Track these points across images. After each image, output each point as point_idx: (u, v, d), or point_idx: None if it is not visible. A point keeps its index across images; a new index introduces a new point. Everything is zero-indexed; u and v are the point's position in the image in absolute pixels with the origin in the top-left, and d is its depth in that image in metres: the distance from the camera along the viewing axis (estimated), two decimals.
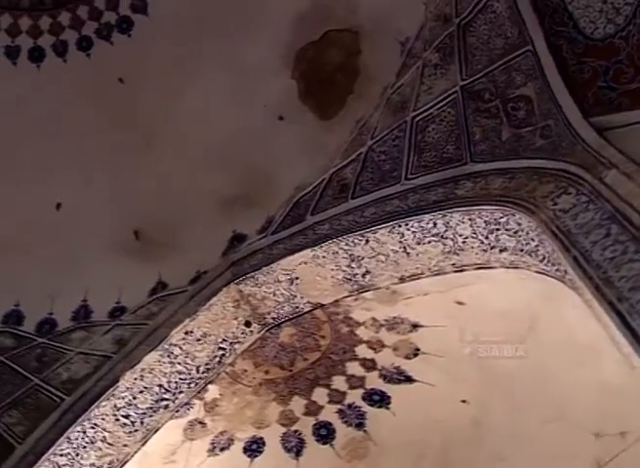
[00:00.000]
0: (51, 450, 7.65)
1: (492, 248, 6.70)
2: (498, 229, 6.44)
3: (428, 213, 6.87)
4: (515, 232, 6.29)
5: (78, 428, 7.82)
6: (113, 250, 9.35)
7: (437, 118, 7.15)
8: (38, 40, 9.88)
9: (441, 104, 7.13)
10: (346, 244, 7.63)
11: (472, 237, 6.76)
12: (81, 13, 9.87)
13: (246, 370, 9.90)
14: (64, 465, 7.77)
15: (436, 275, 7.45)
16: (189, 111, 9.50)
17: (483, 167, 6.53)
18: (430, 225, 6.95)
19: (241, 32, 9.28)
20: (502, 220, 6.31)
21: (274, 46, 9.19)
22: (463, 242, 6.88)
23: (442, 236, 6.98)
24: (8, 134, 9.64)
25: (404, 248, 7.33)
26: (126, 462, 8.07)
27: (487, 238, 6.63)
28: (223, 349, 8.45)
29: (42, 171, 9.61)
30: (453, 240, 6.95)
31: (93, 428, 7.91)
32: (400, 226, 7.17)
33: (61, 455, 7.74)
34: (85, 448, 7.87)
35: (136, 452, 8.13)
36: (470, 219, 6.58)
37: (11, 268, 9.27)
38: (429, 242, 7.11)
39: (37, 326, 8.98)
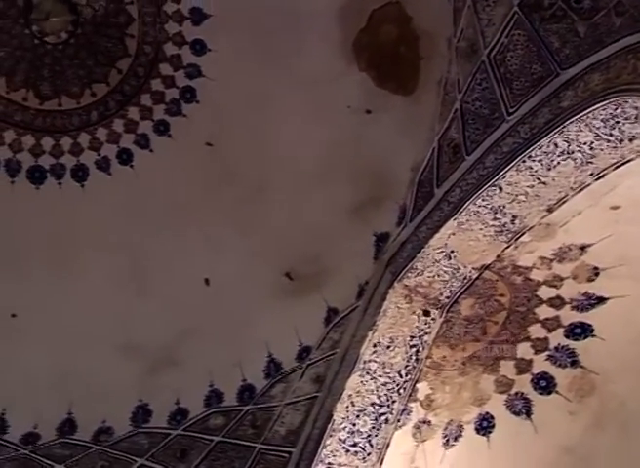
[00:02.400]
0: None
1: (620, 141, 6.52)
2: (617, 122, 6.27)
3: (544, 136, 6.74)
4: (636, 117, 6.11)
5: None
6: (274, 298, 9.51)
7: (510, 45, 6.97)
8: (120, 143, 10.23)
9: (508, 30, 6.94)
10: (482, 199, 7.56)
11: (597, 140, 6.59)
12: (145, 102, 10.17)
13: (445, 356, 9.85)
14: None
15: (580, 191, 7.30)
16: (281, 142, 9.65)
17: (575, 70, 6.33)
18: (552, 147, 6.82)
19: (295, 50, 9.37)
20: (618, 111, 6.13)
21: (330, 48, 9.23)
22: (591, 148, 6.72)
23: (568, 152, 6.84)
24: (126, 238, 10.00)
25: (538, 179, 7.21)
26: None
27: (611, 135, 6.46)
28: (415, 346, 8.45)
29: (178, 256, 9.90)
30: (580, 151, 6.80)
31: (329, 467, 8.03)
32: (525, 161, 7.06)
33: None
34: None
35: None
36: (587, 125, 6.42)
37: (195, 353, 9.57)
38: (559, 163, 6.98)
39: (237, 396, 9.19)
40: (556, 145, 6.78)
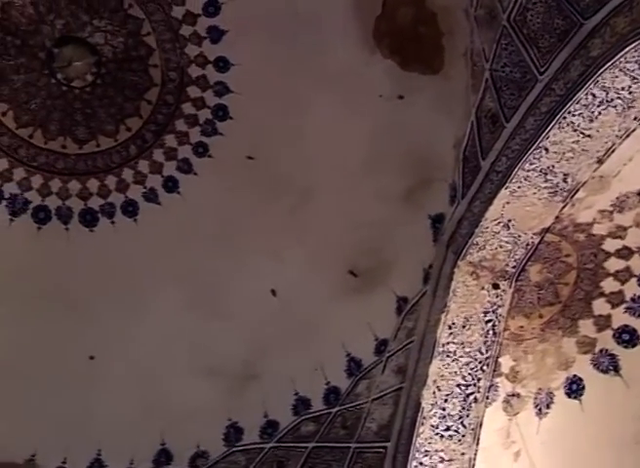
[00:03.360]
0: None
1: None
2: None
3: (580, 89, 6.64)
4: None
5: (414, 463, 7.95)
6: (343, 297, 9.53)
7: (529, 4, 6.88)
8: (164, 172, 10.42)
9: None
10: (530, 163, 7.48)
11: (634, 83, 6.48)
12: (180, 127, 10.31)
13: (522, 326, 9.78)
14: None
15: (626, 137, 7.17)
16: (320, 142, 9.71)
17: (598, 17, 6.22)
18: (590, 98, 6.73)
19: (316, 49, 9.43)
20: None
21: (351, 41, 9.25)
22: (630, 92, 6.61)
23: (607, 100, 6.74)
24: (186, 263, 10.09)
25: (582, 133, 7.11)
26: (474, 466, 8.10)
27: None
28: (490, 321, 8.38)
29: (241, 273, 9.98)
30: (619, 97, 6.69)
31: (426, 455, 8.00)
32: (565, 117, 6.97)
33: None
34: None
35: (476, 454, 8.14)
36: (621, 70, 6.32)
37: (275, 364, 9.64)
38: (600, 113, 6.88)
39: (324, 400, 9.21)
40: (594, 96, 6.68)
